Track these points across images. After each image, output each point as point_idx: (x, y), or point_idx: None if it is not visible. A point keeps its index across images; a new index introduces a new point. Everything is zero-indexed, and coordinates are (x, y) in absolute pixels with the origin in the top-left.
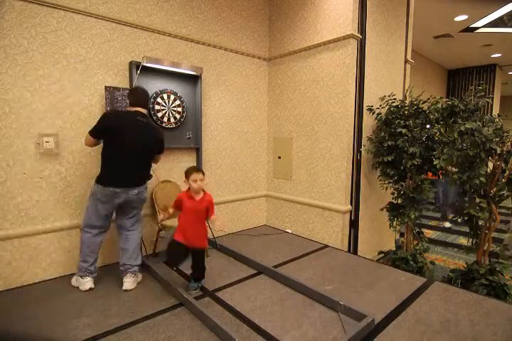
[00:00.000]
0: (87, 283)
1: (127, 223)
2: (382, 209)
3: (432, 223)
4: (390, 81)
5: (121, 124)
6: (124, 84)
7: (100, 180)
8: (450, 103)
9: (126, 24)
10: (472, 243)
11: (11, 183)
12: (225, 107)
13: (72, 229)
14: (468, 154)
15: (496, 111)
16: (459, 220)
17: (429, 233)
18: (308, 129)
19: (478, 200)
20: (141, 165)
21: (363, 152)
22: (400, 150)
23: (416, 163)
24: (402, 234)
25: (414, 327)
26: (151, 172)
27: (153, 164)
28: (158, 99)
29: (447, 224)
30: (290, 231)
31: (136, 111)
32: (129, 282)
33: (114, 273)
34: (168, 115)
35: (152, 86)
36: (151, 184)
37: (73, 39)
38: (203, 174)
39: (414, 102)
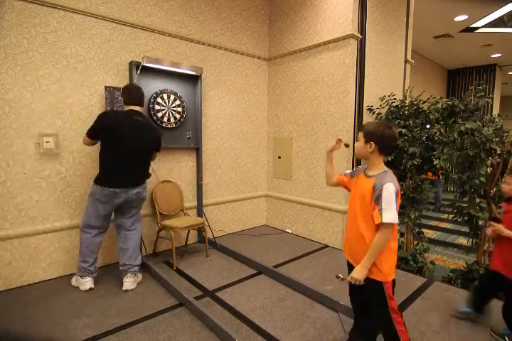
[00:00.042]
0: (87, 283)
1: (127, 223)
2: None
3: (432, 223)
4: (390, 81)
5: (119, 124)
6: (124, 84)
7: (99, 181)
8: (450, 103)
9: (126, 24)
10: (472, 243)
11: (11, 183)
12: (225, 107)
13: (72, 229)
14: (468, 154)
15: (495, 111)
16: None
17: (429, 233)
18: (308, 129)
19: (478, 200)
20: (140, 165)
21: None
22: (400, 150)
23: (416, 163)
24: (402, 234)
25: (414, 327)
26: (151, 172)
27: (152, 163)
28: (158, 99)
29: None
30: (290, 231)
31: (131, 110)
32: (129, 282)
33: (114, 273)
34: (168, 115)
35: (152, 86)
36: (151, 184)
37: (73, 39)
38: None
39: (414, 102)
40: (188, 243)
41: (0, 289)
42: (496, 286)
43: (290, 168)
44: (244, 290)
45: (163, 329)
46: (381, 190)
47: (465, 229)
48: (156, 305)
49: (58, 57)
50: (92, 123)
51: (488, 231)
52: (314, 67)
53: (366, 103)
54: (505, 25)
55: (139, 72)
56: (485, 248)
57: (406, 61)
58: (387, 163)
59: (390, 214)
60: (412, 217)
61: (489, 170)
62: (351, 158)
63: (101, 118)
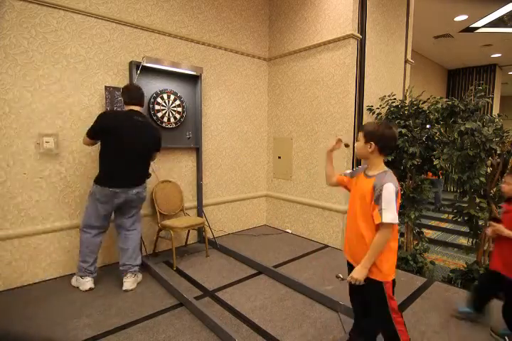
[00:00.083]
0: (87, 283)
1: (127, 223)
2: None
3: (432, 223)
4: (390, 81)
5: (119, 124)
6: (124, 84)
7: (99, 181)
8: (450, 103)
9: (126, 24)
10: (472, 243)
11: (11, 183)
12: (225, 107)
13: (72, 229)
14: (468, 154)
15: (496, 111)
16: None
17: (429, 233)
18: (308, 129)
19: (478, 200)
20: (140, 165)
21: None
22: (400, 150)
23: (416, 163)
24: (402, 234)
25: (414, 327)
26: (151, 172)
27: (152, 163)
28: (158, 99)
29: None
30: (290, 231)
31: (131, 110)
32: (129, 282)
33: (114, 273)
34: (168, 115)
35: (152, 86)
36: (151, 184)
37: (73, 39)
38: None
39: (414, 102)
40: (188, 243)
41: (0, 289)
42: (496, 286)
43: (290, 168)
44: (244, 290)
45: (163, 329)
46: (381, 190)
47: (465, 229)
48: (156, 305)
49: (58, 57)
50: (92, 124)
51: (488, 231)
52: (314, 67)
53: (366, 103)
54: (505, 25)
55: (139, 72)
56: (485, 248)
57: (406, 61)
58: (387, 163)
59: (389, 214)
60: (412, 217)
61: (489, 170)
62: (351, 158)
63: (101, 118)
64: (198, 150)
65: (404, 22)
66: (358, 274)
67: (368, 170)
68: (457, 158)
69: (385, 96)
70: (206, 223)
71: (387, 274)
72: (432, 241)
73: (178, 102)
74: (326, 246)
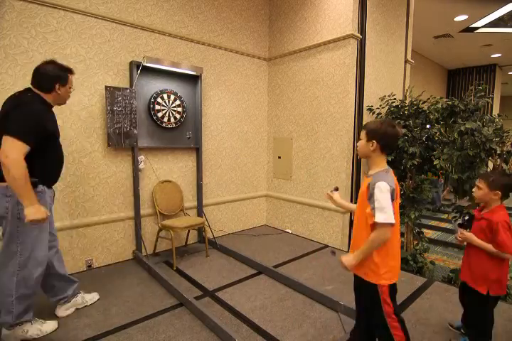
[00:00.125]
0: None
1: None
2: None
3: (432, 223)
4: (390, 81)
5: None
6: (125, 84)
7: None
8: (450, 103)
9: (126, 24)
10: None
11: None
12: (225, 107)
13: (73, 229)
14: (468, 154)
15: (495, 111)
16: (459, 220)
17: (429, 233)
18: (308, 129)
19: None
20: None
21: None
22: (400, 150)
23: (416, 163)
24: (402, 234)
25: (414, 327)
26: (141, 167)
27: (143, 158)
28: (159, 99)
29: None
30: (290, 231)
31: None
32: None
33: (114, 273)
34: (169, 115)
35: (152, 86)
36: (151, 184)
37: (73, 39)
38: None
39: (414, 102)
40: (188, 243)
41: None
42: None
43: (290, 168)
44: (244, 290)
45: (163, 329)
46: (373, 189)
47: None
48: (156, 305)
49: (58, 57)
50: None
51: (457, 238)
52: (314, 67)
53: (366, 103)
54: (505, 25)
55: (139, 72)
56: None
57: (406, 61)
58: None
59: (382, 214)
60: (412, 217)
61: (489, 170)
62: (351, 158)
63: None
64: (198, 150)
65: (404, 22)
66: (346, 261)
67: (369, 169)
68: (457, 158)
69: (385, 96)
70: (206, 223)
71: (383, 278)
72: (431, 241)
73: (178, 102)
74: (326, 246)
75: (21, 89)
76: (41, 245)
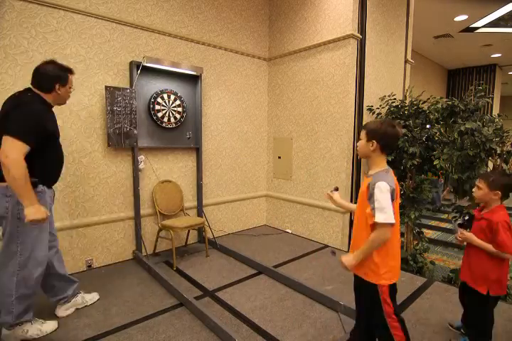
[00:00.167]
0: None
1: None
2: None
3: (432, 223)
4: (390, 81)
5: None
6: (125, 84)
7: None
8: (450, 103)
9: (126, 24)
10: None
11: None
12: (225, 107)
13: (73, 229)
14: (468, 154)
15: (496, 111)
16: (459, 220)
17: (429, 233)
18: (308, 129)
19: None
20: None
21: None
22: (400, 150)
23: (416, 163)
24: (402, 234)
25: (414, 327)
26: (141, 167)
27: (143, 158)
28: (159, 99)
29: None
30: (290, 231)
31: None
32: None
33: (114, 273)
34: (169, 115)
35: (152, 86)
36: (151, 183)
37: (73, 39)
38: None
39: (414, 102)
40: (188, 243)
41: None
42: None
43: (290, 168)
44: (244, 290)
45: (163, 329)
46: (373, 189)
47: None
48: (156, 305)
49: (58, 57)
50: (93, 123)
51: (457, 238)
52: (314, 67)
53: (366, 103)
54: (505, 25)
55: (139, 72)
56: None
57: (406, 61)
58: (387, 163)
59: (381, 214)
60: (412, 217)
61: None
62: (351, 158)
63: None
64: (198, 150)
65: (404, 22)
66: (346, 261)
67: (369, 169)
68: (457, 158)
69: (385, 96)
70: (206, 223)
71: (382, 278)
72: (431, 241)
73: (178, 102)
74: (326, 246)
75: (21, 89)
76: (41, 245)
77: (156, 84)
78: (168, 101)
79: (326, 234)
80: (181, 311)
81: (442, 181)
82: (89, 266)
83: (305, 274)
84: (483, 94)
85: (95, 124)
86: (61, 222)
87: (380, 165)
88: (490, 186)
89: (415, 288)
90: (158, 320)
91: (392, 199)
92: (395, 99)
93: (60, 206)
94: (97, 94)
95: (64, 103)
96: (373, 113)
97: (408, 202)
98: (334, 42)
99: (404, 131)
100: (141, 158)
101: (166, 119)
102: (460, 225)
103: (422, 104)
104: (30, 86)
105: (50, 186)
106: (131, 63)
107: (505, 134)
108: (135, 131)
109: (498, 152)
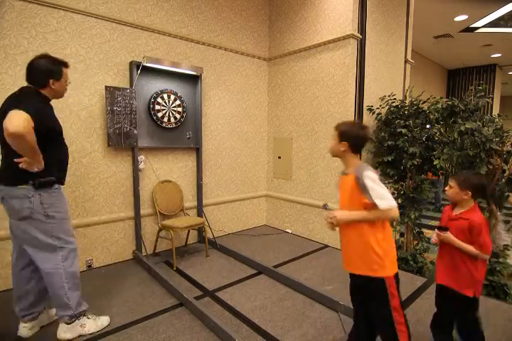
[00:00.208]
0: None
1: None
2: None
3: (432, 223)
4: (390, 81)
5: None
6: (125, 84)
7: None
8: (450, 103)
9: (126, 24)
10: None
11: None
12: (225, 107)
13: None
14: (468, 154)
15: (496, 111)
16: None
17: (429, 233)
18: (308, 129)
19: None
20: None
21: (362, 152)
22: (400, 150)
23: (416, 163)
24: (402, 234)
25: (414, 327)
26: (141, 167)
27: (143, 158)
28: (159, 99)
29: None
30: (290, 231)
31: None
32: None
33: (114, 273)
34: (169, 115)
35: (152, 86)
36: (151, 183)
37: (73, 39)
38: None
39: (414, 102)
40: (188, 243)
41: (0, 289)
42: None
43: (290, 168)
44: (244, 290)
45: (163, 329)
46: (363, 180)
47: None
48: (156, 305)
49: (58, 57)
50: (93, 123)
51: (434, 239)
52: (314, 67)
53: (366, 103)
54: (505, 25)
55: (139, 72)
56: None
57: (406, 61)
58: (387, 163)
59: (383, 200)
60: (412, 217)
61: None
62: None
63: None
64: (198, 150)
65: (404, 22)
66: (341, 216)
67: (345, 169)
68: (457, 158)
69: (385, 96)
70: (206, 223)
71: (389, 268)
72: None
73: (178, 102)
74: (326, 246)
75: (19, 88)
76: (71, 236)
77: (156, 84)
78: (168, 101)
79: (326, 234)
80: (181, 311)
81: (443, 181)
82: (89, 266)
83: (305, 274)
84: (483, 94)
85: (95, 124)
86: None
87: (356, 162)
88: (460, 185)
89: (415, 288)
90: (158, 320)
91: None
92: (395, 99)
93: None
94: (97, 94)
95: (61, 97)
96: (373, 113)
97: (408, 202)
98: (334, 42)
99: (404, 131)
100: (141, 158)
101: (166, 119)
102: (439, 228)
103: (422, 104)
104: (26, 82)
105: (62, 183)
106: (131, 63)
107: (505, 134)
108: (135, 131)
109: (498, 152)
